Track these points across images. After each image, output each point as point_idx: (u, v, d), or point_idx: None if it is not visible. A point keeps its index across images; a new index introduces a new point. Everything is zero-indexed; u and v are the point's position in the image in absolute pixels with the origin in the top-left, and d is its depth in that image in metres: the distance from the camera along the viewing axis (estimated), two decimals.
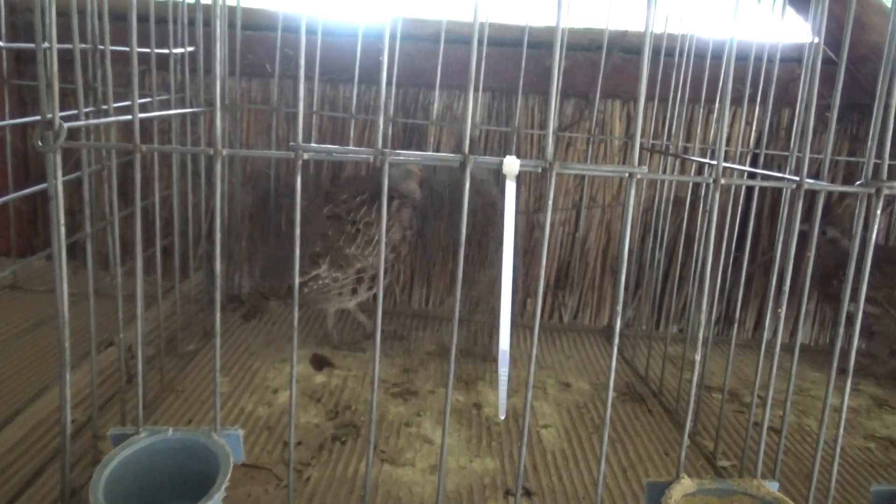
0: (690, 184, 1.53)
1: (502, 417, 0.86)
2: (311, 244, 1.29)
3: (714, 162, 0.75)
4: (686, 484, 0.75)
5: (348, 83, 1.58)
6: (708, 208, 0.84)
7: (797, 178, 0.79)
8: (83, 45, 1.07)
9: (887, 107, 0.73)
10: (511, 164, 0.68)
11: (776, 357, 0.84)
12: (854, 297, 0.78)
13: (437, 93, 1.56)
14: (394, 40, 1.52)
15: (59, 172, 0.72)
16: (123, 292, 0.88)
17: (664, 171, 1.47)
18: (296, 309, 0.75)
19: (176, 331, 1.25)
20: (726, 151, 1.50)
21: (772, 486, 0.76)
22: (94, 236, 1.03)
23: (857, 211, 0.78)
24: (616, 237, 1.68)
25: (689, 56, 1.33)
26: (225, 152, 0.71)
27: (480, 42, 1.47)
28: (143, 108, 0.97)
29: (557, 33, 0.66)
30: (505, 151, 1.62)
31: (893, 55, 0.74)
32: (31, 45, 0.79)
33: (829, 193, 1.59)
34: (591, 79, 1.55)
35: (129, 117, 0.74)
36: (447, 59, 1.53)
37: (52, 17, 0.70)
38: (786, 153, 1.30)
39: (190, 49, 1.28)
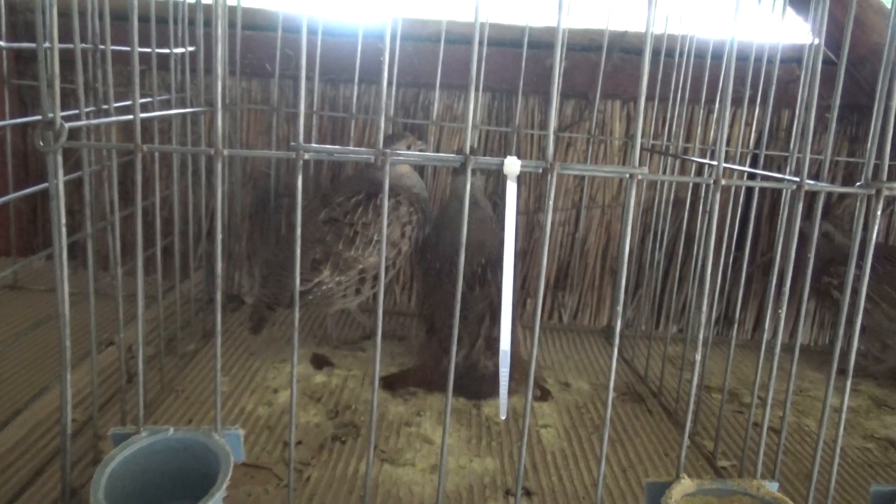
0: (690, 184, 1.53)
1: (503, 417, 0.86)
2: (311, 250, 1.27)
3: (714, 162, 0.76)
4: (686, 484, 0.75)
5: (348, 83, 1.58)
6: (708, 209, 0.84)
7: (797, 179, 0.79)
8: (84, 45, 1.07)
9: (887, 108, 0.73)
10: (512, 165, 0.68)
11: (776, 357, 0.84)
12: (853, 299, 0.78)
13: (437, 93, 1.56)
14: (394, 40, 1.52)
15: (61, 172, 0.72)
16: (123, 292, 0.88)
17: (664, 172, 1.47)
18: (296, 310, 0.75)
19: (176, 331, 1.25)
20: (726, 152, 1.49)
21: (771, 487, 0.76)
22: (94, 236, 1.03)
23: (856, 212, 0.78)
24: (616, 237, 1.68)
25: (689, 56, 1.33)
26: (225, 152, 0.71)
27: (481, 42, 1.47)
28: (144, 107, 0.97)
29: (558, 33, 0.67)
30: (505, 152, 1.62)
31: (893, 56, 0.74)
32: (32, 45, 0.79)
33: (829, 194, 1.59)
34: (591, 79, 1.55)
35: (130, 117, 0.74)
36: (447, 59, 1.53)
37: (52, 16, 0.70)
38: (786, 154, 1.30)
39: (190, 49, 1.27)
